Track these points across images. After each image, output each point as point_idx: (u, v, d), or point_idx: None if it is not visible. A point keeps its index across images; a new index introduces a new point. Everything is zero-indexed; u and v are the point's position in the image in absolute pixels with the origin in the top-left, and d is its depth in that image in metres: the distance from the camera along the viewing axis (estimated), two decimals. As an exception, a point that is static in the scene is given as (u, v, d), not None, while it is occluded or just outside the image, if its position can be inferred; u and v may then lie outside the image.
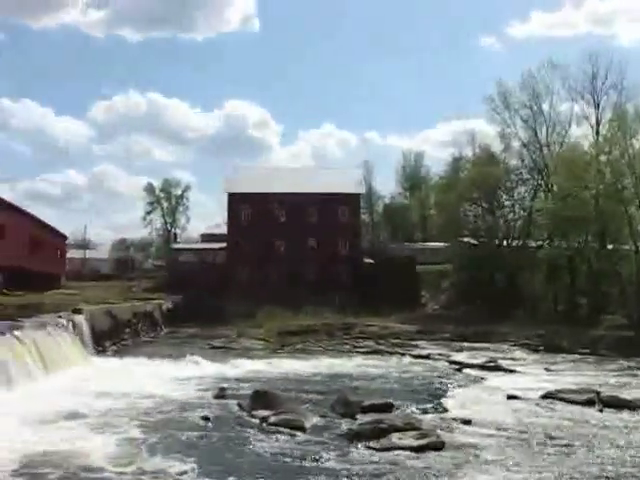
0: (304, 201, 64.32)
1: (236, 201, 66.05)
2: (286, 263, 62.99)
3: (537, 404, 23.13)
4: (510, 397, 24.17)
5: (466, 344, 42.44)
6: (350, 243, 65.50)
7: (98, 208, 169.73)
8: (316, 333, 45.81)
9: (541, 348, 40.68)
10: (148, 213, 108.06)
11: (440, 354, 37.96)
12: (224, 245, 66.88)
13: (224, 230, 69.86)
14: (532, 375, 30.47)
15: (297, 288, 57.84)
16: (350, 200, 66.18)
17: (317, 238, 64.83)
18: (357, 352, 39.26)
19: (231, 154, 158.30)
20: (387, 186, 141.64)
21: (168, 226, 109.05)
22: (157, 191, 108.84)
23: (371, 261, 66.58)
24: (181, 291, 56.61)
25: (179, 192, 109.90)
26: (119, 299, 48.22)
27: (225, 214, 68.90)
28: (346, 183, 66.71)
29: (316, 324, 47.89)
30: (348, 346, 41.75)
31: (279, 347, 41.01)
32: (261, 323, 48.44)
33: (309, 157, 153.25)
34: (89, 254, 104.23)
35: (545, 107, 59.27)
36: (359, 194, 68.99)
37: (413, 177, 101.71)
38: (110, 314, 38.83)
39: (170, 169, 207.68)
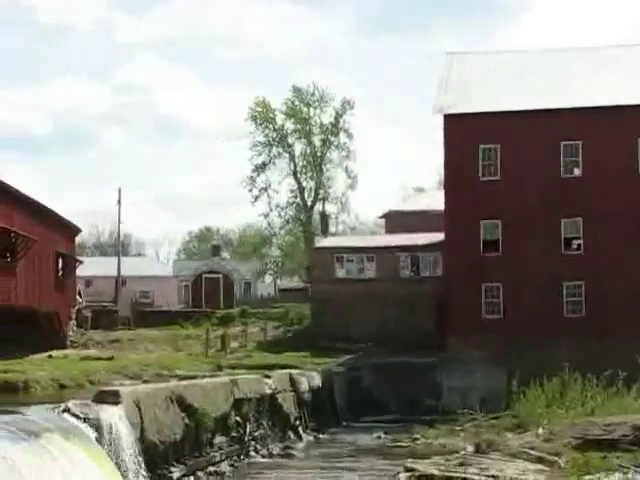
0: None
1: (465, 134, 34.93)
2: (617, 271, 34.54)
3: None
4: None
5: None
6: None
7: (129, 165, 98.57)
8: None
9: None
10: (259, 169, 58.97)
11: None
12: (439, 237, 37.04)
13: (435, 202, 38.47)
14: None
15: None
16: None
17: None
18: None
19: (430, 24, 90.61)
20: None
21: (307, 198, 58.24)
22: (277, 116, 58.08)
23: None
24: (345, 347, 36.89)
25: (330, 117, 59.12)
26: (199, 367, 30.68)
27: (439, 169, 39.27)
28: None
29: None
30: None
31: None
32: (539, 415, 24.40)
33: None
34: (130, 266, 58.86)
35: None
36: None
37: None
38: (180, 404, 19.47)
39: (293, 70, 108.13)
